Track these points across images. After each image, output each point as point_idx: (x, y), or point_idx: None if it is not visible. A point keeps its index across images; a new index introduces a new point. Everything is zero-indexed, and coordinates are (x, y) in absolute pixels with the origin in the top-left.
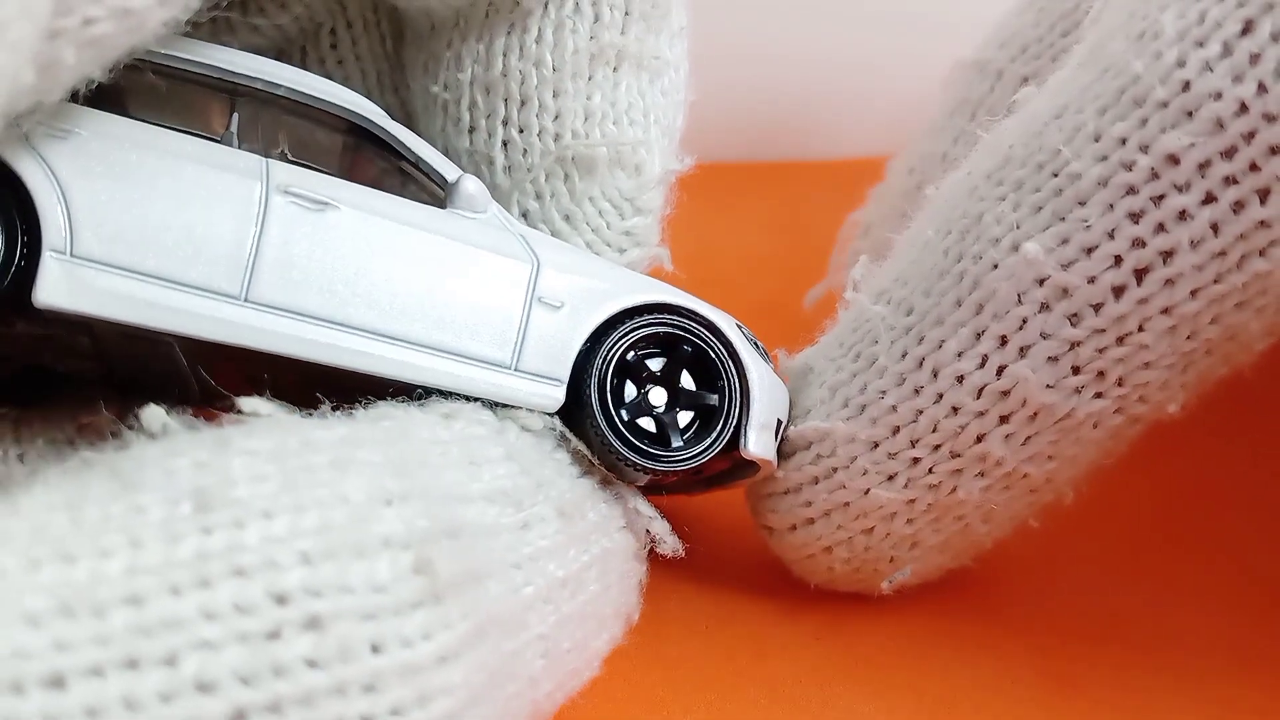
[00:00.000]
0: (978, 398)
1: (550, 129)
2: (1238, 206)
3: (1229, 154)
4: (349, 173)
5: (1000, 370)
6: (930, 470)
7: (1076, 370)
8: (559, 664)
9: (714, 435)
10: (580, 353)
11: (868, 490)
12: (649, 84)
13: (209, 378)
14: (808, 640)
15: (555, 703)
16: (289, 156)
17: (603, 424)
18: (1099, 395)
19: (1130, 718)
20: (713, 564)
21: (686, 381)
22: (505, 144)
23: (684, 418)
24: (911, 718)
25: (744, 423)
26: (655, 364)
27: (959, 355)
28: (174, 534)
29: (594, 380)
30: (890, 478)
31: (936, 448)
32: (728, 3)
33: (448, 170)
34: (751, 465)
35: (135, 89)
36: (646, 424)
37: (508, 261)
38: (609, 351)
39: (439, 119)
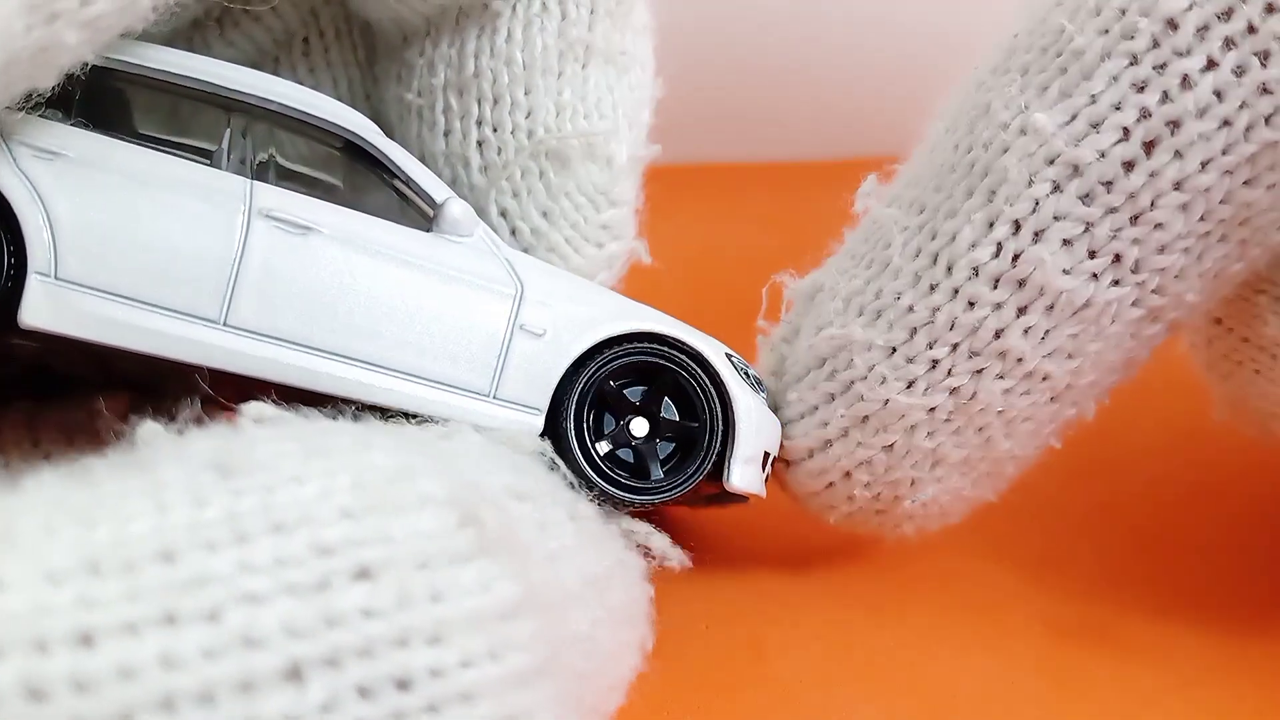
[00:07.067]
0: (994, 288)
1: (523, 125)
2: (1239, 71)
3: (1226, 15)
4: (341, 190)
5: (1016, 258)
6: (950, 372)
7: (1092, 254)
8: (601, 671)
9: (695, 465)
10: (561, 381)
11: (887, 401)
12: (617, 79)
13: (208, 389)
14: (808, 640)
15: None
16: (281, 169)
17: (579, 457)
18: (1116, 282)
19: (1130, 718)
20: (713, 564)
21: (668, 410)
22: (480, 144)
23: (664, 448)
24: (911, 718)
25: (729, 455)
26: (636, 393)
27: (973, 245)
28: (201, 498)
29: (569, 411)
30: (910, 384)
31: (955, 346)
32: (729, 3)
33: (436, 191)
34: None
35: (138, 103)
36: (626, 455)
37: (491, 287)
38: (584, 383)
39: (414, 125)
